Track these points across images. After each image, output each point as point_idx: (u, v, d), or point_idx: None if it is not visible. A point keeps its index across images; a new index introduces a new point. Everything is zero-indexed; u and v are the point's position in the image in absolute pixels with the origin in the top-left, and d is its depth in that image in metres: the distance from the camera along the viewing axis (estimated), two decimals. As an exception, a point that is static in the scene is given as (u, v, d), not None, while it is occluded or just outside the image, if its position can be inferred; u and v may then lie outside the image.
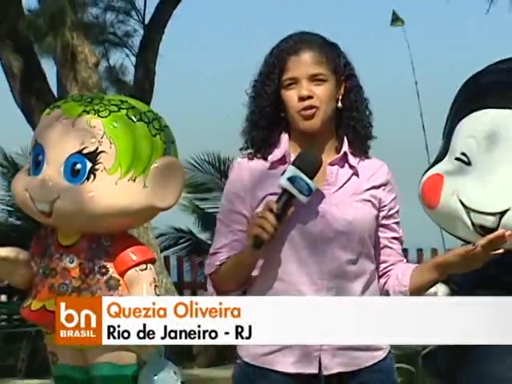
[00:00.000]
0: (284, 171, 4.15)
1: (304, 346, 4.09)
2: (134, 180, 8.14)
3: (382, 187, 4.33)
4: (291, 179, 4.05)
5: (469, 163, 5.80)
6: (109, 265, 8.13)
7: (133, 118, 8.35)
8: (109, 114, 8.31)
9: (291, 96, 4.18)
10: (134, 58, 16.27)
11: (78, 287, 8.11)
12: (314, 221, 4.15)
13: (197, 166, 18.72)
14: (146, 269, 8.28)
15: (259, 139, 4.31)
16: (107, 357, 8.10)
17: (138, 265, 8.21)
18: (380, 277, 4.37)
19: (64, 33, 15.04)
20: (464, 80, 6.11)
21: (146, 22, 16.34)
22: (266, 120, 4.29)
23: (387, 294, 4.27)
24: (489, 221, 5.59)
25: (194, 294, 17.43)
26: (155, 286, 8.37)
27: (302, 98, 4.17)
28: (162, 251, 17.16)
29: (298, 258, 4.11)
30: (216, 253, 4.38)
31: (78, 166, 8.11)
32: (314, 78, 4.18)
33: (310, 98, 4.18)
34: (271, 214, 4.02)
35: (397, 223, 4.45)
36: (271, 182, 4.21)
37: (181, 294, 16.76)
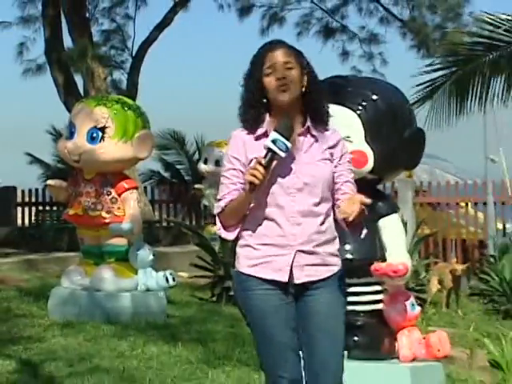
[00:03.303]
0: (269, 136, 3.64)
1: (277, 262, 3.57)
2: (126, 142, 8.11)
3: (335, 147, 3.75)
4: (274, 141, 3.58)
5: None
6: (112, 190, 8.11)
7: (125, 108, 8.34)
8: (112, 106, 8.28)
9: (271, 80, 3.65)
10: (126, 75, 16.08)
11: (94, 202, 8.09)
12: (288, 176, 3.66)
13: (161, 135, 18.55)
14: (132, 192, 8.27)
15: (249, 118, 3.74)
16: (111, 240, 8.09)
17: (128, 190, 8.20)
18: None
19: (87, 61, 14.88)
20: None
21: (133, 55, 16.17)
22: (254, 101, 3.71)
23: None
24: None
25: (160, 209, 17.45)
26: (138, 202, 8.43)
27: (278, 79, 3.64)
28: (142, 183, 17.01)
29: (276, 203, 3.64)
30: (221, 199, 3.70)
31: (95, 135, 8.10)
32: (286, 66, 3.66)
33: (284, 78, 3.64)
34: (260, 166, 3.52)
35: (347, 170, 3.77)
36: (255, 149, 3.66)
37: (153, 207, 16.77)
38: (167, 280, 8.15)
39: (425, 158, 6.79)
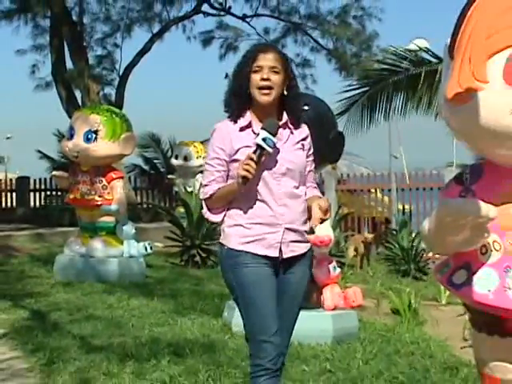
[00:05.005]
0: (258, 134, 3.16)
1: (269, 239, 3.17)
2: (114, 142, 7.98)
3: (305, 139, 3.33)
4: (264, 139, 3.15)
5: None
6: (103, 179, 7.98)
7: (114, 115, 8.22)
8: (103, 114, 8.15)
9: (256, 77, 3.22)
10: (114, 90, 15.88)
11: (89, 189, 7.95)
12: (274, 163, 3.23)
13: (142, 136, 18.29)
14: (119, 181, 8.14)
15: (233, 107, 3.25)
16: (102, 219, 7.96)
17: (115, 179, 8.07)
18: None
19: (84, 79, 14.70)
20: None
21: (120, 74, 15.96)
22: (239, 92, 3.26)
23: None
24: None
25: (141, 194, 17.26)
26: (123, 189, 8.24)
27: (263, 79, 3.21)
28: (127, 173, 16.79)
29: (267, 186, 3.21)
30: (207, 185, 3.25)
31: (89, 136, 7.96)
32: (272, 69, 3.23)
33: (268, 80, 3.22)
34: (252, 161, 3.10)
35: (312, 161, 3.39)
36: (241, 139, 3.22)
37: (135, 193, 16.58)
38: (146, 249, 8.09)
39: (344, 155, 6.81)
